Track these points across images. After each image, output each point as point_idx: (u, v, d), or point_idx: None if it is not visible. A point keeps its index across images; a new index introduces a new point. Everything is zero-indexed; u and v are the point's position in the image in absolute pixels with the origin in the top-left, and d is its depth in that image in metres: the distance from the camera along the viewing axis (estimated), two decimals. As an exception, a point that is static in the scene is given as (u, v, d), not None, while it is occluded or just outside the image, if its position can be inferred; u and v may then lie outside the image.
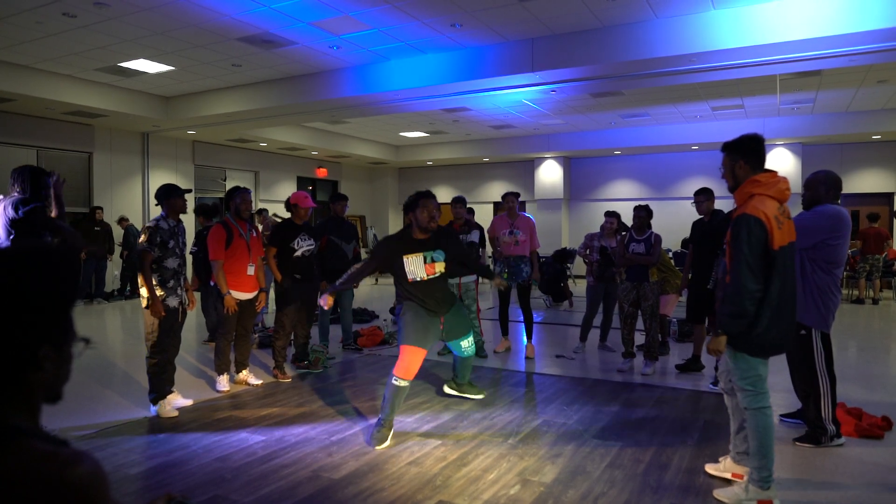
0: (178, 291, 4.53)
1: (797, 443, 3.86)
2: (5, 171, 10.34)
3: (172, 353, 4.65)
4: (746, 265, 2.81)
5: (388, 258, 4.08)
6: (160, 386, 4.50)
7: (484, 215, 16.29)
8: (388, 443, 3.87)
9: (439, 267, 4.08)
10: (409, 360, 3.94)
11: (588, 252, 6.85)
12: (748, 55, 6.87)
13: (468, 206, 6.92)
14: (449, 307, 4.20)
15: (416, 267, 4.02)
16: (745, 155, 3.01)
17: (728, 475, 3.30)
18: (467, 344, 4.38)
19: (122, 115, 10.39)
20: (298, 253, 5.61)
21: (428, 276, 4.03)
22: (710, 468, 3.42)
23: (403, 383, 3.92)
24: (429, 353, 6.72)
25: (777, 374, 5.47)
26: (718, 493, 3.12)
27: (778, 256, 2.84)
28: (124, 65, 8.52)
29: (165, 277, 4.44)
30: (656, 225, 6.60)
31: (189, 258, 4.95)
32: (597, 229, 7.09)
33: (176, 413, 4.49)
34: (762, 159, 3.04)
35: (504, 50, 7.79)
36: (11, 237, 3.55)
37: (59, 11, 6.50)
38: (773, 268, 2.85)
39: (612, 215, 6.67)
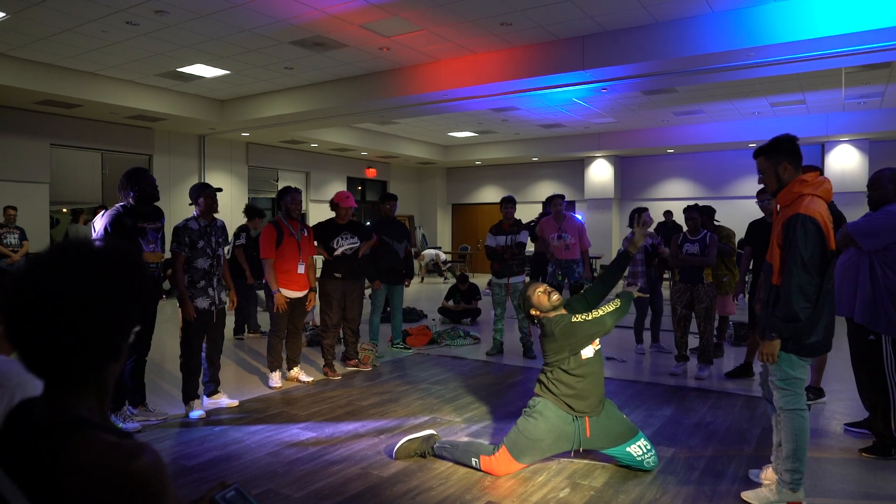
0: (210, 292, 4.44)
1: (864, 454, 3.67)
2: (75, 173, 10.92)
3: (211, 353, 4.62)
4: (803, 267, 2.75)
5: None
6: (192, 386, 4.48)
7: (534, 216, 16.14)
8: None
9: (597, 343, 3.52)
10: (500, 466, 3.37)
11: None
12: (810, 48, 6.58)
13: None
14: (601, 405, 3.49)
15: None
16: (788, 156, 2.96)
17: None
18: (640, 450, 3.41)
19: (180, 119, 10.75)
20: (338, 252, 5.65)
21: (594, 349, 3.48)
22: (753, 474, 3.35)
23: (476, 466, 3.44)
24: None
25: (842, 381, 5.24)
26: (747, 496, 3.06)
27: (832, 257, 2.84)
28: (182, 70, 8.82)
29: (195, 278, 4.38)
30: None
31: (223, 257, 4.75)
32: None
33: (203, 414, 4.45)
34: (801, 157, 3.01)
35: (554, 48, 7.70)
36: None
37: (123, 20, 6.78)
38: (828, 269, 2.82)
39: (644, 210, 6.72)
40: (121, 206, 4.08)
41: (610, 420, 3.45)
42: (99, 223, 4.03)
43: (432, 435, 3.70)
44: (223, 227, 4.64)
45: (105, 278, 0.99)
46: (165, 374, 5.65)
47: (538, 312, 3.57)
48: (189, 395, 4.49)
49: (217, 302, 4.52)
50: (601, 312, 3.39)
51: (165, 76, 9.18)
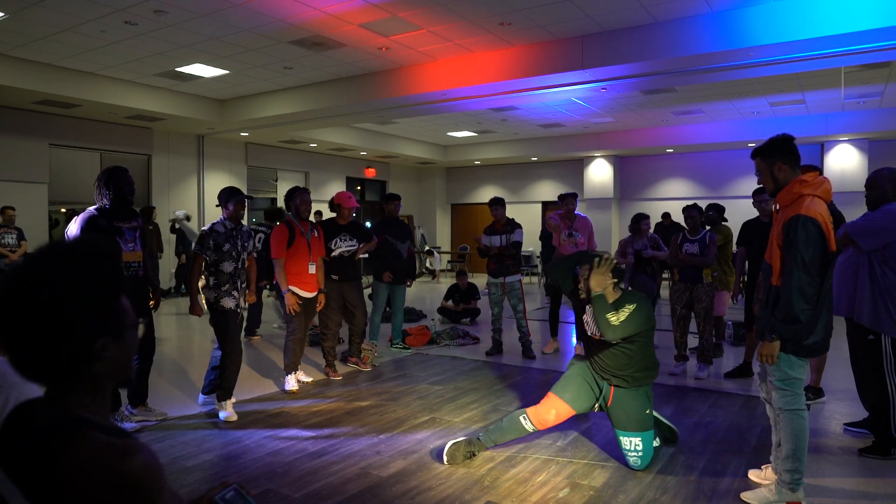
0: (235, 294, 4.42)
1: (863, 454, 3.67)
2: (74, 173, 10.90)
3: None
4: (804, 268, 2.74)
5: None
6: (230, 383, 4.43)
7: (533, 216, 16.20)
8: (459, 460, 3.56)
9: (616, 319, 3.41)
10: (545, 407, 3.53)
11: (623, 258, 6.74)
12: (810, 48, 6.58)
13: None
14: (629, 382, 3.49)
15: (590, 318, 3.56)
16: (783, 156, 2.95)
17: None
18: (629, 445, 3.43)
19: (179, 119, 10.74)
20: (335, 253, 5.62)
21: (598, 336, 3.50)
22: (753, 474, 3.35)
23: (529, 427, 3.54)
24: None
25: (842, 381, 5.24)
26: (746, 496, 3.07)
27: (833, 258, 2.85)
28: (181, 69, 8.80)
29: (221, 281, 4.37)
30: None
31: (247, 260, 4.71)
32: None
33: (234, 417, 4.38)
34: (799, 157, 2.99)
35: (553, 48, 7.69)
36: None
37: (122, 20, 6.77)
38: (828, 269, 2.83)
39: (645, 218, 6.75)
40: (94, 208, 4.03)
41: (635, 402, 3.47)
42: (74, 227, 3.95)
43: (471, 440, 3.66)
44: (249, 233, 4.61)
45: (69, 273, 0.98)
46: (165, 374, 5.65)
47: (587, 281, 3.58)
48: (226, 393, 4.42)
49: (240, 304, 4.49)
50: (617, 319, 3.35)
51: (164, 76, 9.17)
